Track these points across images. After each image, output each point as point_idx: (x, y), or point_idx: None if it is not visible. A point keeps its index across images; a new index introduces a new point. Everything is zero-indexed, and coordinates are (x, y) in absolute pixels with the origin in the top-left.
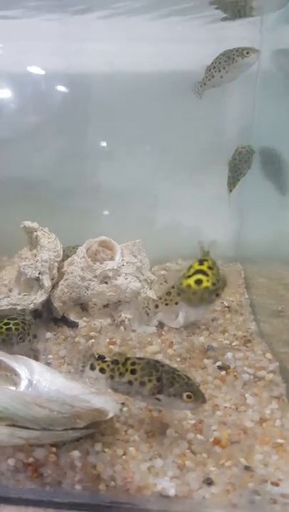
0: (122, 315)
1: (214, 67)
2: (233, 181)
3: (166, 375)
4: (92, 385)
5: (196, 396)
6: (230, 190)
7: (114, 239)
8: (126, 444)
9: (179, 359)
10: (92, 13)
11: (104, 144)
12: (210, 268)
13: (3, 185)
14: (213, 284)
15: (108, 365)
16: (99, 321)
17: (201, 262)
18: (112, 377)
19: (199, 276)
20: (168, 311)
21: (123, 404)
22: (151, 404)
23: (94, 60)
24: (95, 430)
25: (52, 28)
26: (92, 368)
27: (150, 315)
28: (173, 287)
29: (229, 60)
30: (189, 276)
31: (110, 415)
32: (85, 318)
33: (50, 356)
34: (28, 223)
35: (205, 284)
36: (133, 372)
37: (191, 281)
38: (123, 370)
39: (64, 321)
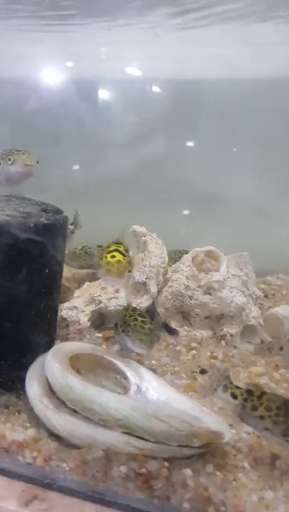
0: (225, 329)
1: None
2: None
3: None
4: (198, 400)
5: None
6: None
7: (212, 245)
8: (235, 470)
9: (286, 385)
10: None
11: (207, 149)
12: None
13: (99, 184)
14: None
15: (242, 393)
16: (199, 332)
17: None
18: (243, 406)
19: None
20: None
21: (231, 425)
22: (279, 444)
23: (208, 65)
24: (206, 450)
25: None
26: (225, 389)
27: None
28: None
29: None
30: None
31: (226, 439)
32: (185, 327)
33: (153, 362)
34: (137, 227)
35: None
36: (268, 408)
37: None
38: (257, 404)
39: (165, 327)
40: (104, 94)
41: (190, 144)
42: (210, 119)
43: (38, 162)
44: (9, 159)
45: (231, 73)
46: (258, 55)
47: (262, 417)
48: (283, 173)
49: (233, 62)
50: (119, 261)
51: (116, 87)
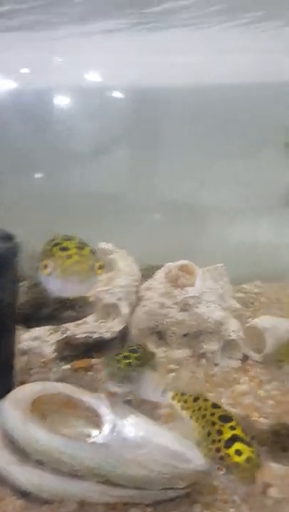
0: (204, 346)
1: None
2: None
3: None
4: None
5: None
6: None
7: (186, 255)
8: (225, 505)
9: (272, 402)
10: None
11: (179, 159)
12: None
13: (77, 200)
14: None
15: None
16: (178, 352)
17: None
18: None
19: None
20: None
21: None
22: None
23: (172, 72)
24: (192, 489)
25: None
26: None
27: None
28: None
29: None
30: None
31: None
32: (163, 348)
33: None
34: (103, 245)
35: None
36: None
37: None
38: None
39: None
40: (63, 103)
41: (154, 153)
42: (174, 126)
43: (101, 266)
44: (45, 266)
45: (195, 80)
46: (222, 62)
47: None
48: (254, 181)
49: (196, 69)
50: None
51: (75, 96)
